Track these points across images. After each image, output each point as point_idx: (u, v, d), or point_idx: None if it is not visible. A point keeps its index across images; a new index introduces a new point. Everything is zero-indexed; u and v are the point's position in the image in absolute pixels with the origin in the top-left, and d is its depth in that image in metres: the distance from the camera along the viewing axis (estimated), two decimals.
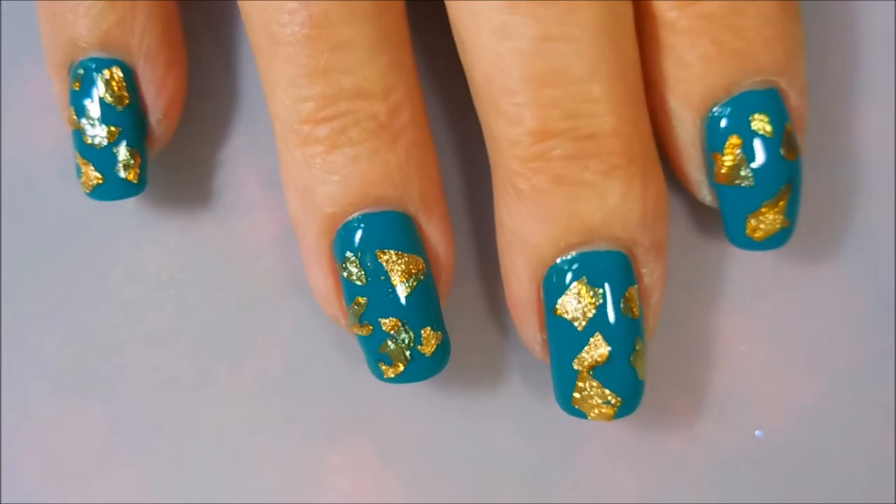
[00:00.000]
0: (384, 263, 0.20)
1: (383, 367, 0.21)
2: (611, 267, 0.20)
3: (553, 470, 0.23)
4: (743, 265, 0.23)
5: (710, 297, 0.23)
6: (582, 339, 0.20)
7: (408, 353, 0.21)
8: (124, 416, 0.23)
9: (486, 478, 0.23)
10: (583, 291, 0.20)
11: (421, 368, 0.21)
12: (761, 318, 0.23)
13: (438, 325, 0.21)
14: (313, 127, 0.20)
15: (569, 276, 0.20)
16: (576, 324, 0.20)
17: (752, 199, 0.21)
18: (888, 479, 0.23)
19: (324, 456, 0.23)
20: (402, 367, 0.21)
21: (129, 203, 0.24)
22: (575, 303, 0.20)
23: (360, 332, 0.21)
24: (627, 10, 0.20)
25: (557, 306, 0.20)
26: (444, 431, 0.23)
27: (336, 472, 0.23)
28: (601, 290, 0.20)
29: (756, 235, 0.21)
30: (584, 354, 0.20)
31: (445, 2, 0.21)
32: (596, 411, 0.20)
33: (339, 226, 0.21)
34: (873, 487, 0.23)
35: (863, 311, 0.23)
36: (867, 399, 0.23)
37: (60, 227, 0.24)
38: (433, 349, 0.21)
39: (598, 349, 0.20)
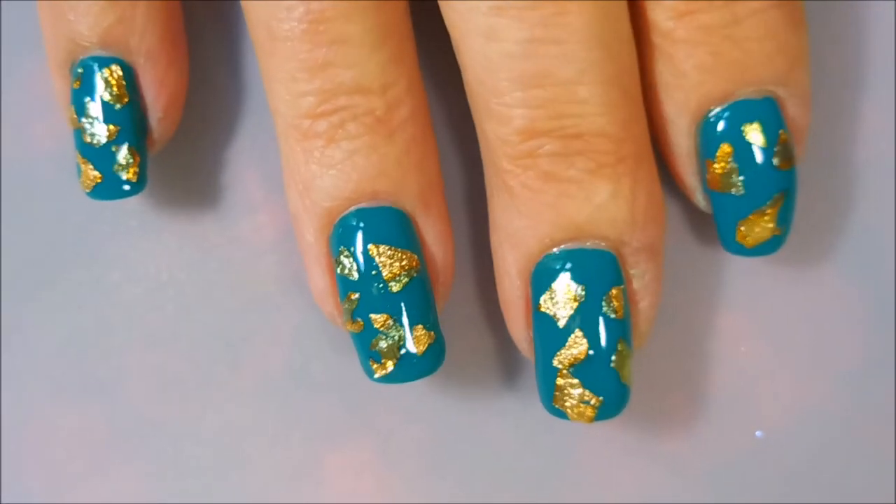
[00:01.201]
0: (376, 258, 0.20)
1: (374, 366, 0.21)
2: (595, 264, 0.20)
3: (553, 470, 0.23)
4: (742, 265, 0.23)
5: (709, 297, 0.23)
6: (562, 335, 0.20)
7: (399, 350, 0.20)
8: (124, 416, 0.23)
9: (486, 478, 0.23)
10: (565, 288, 0.20)
11: (411, 368, 0.21)
12: (761, 318, 0.23)
13: (432, 324, 0.21)
14: (313, 122, 0.20)
15: (553, 272, 0.20)
16: (557, 320, 0.20)
17: (743, 207, 0.21)
18: (888, 479, 0.23)
19: (324, 456, 0.23)
20: (391, 366, 0.20)
21: (130, 203, 0.24)
22: (557, 299, 0.20)
23: (352, 329, 0.21)
24: (621, 14, 0.20)
25: (540, 302, 0.20)
26: (444, 432, 0.23)
27: (336, 472, 0.23)
28: (583, 287, 0.20)
29: (746, 242, 0.21)
30: (563, 351, 0.20)
31: (440, 4, 0.21)
32: (575, 411, 0.20)
33: (336, 221, 0.21)
34: (873, 487, 0.23)
35: (863, 311, 0.23)
36: (867, 399, 0.23)
37: (60, 227, 0.24)
38: (425, 348, 0.21)
39: (577, 346, 0.20)
